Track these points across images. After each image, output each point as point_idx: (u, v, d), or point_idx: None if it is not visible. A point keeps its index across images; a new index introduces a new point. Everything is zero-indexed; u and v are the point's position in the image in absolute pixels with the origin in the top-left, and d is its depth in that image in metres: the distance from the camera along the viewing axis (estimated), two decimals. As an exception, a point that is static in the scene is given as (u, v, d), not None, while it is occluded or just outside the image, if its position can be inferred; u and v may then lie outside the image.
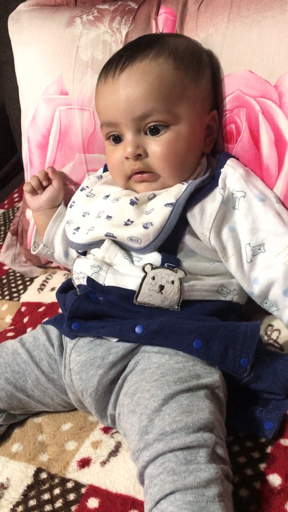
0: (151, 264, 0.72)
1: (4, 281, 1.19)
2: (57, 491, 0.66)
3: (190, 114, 0.77)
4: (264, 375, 0.67)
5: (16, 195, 1.57)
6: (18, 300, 1.11)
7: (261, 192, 0.76)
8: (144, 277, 0.71)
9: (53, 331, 0.78)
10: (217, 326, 0.68)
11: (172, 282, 0.71)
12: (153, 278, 0.71)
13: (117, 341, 0.70)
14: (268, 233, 0.73)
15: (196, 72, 0.78)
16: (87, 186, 0.89)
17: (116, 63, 0.77)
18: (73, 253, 0.94)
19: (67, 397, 0.75)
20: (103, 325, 0.72)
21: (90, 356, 0.70)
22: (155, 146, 0.76)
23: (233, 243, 0.75)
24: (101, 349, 0.70)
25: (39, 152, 1.05)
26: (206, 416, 0.59)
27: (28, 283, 1.15)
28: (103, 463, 0.68)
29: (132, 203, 0.77)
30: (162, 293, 0.71)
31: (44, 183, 1.00)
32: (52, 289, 1.08)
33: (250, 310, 0.81)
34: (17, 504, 0.66)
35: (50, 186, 1.00)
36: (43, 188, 1.00)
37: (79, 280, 0.80)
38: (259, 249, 0.74)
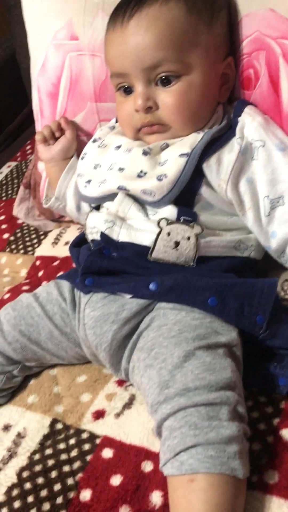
0: (166, 219, 0.70)
1: (19, 235, 1.18)
2: (72, 441, 0.68)
3: (204, 62, 0.72)
4: (280, 332, 0.66)
5: (28, 147, 1.54)
6: (33, 254, 1.10)
7: (281, 142, 0.72)
8: (159, 233, 0.69)
9: (65, 285, 0.78)
10: (233, 283, 0.67)
11: (188, 238, 0.69)
12: (168, 234, 0.69)
13: (131, 297, 0.70)
14: None
15: (210, 16, 0.73)
16: (99, 138, 0.86)
17: (125, 9, 0.72)
18: (85, 207, 0.93)
19: (81, 350, 0.76)
20: (116, 281, 0.71)
21: (104, 312, 0.70)
22: (167, 97, 0.72)
23: (250, 196, 0.72)
24: (115, 305, 0.70)
25: (49, 101, 1.01)
26: (229, 375, 0.59)
27: (42, 237, 1.14)
28: (117, 415, 0.69)
29: (145, 153, 0.74)
30: (177, 249, 0.69)
31: (57, 134, 0.97)
32: (66, 243, 1.07)
33: (267, 265, 0.79)
34: (34, 452, 0.68)
35: (63, 136, 0.97)
36: (55, 139, 0.98)
37: (93, 235, 0.78)
38: (278, 202, 0.71)
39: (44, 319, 0.76)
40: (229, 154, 0.72)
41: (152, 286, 0.67)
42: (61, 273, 0.99)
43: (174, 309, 0.67)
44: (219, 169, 0.72)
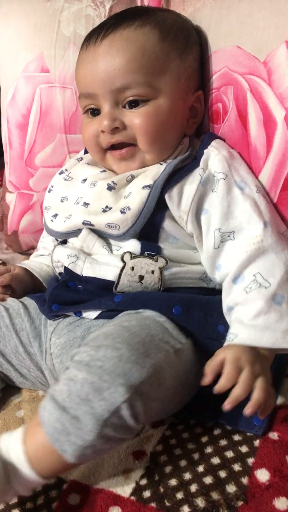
0: (130, 253, 0.69)
1: (-14, 268, 1.15)
2: (38, 487, 0.64)
3: (173, 89, 0.73)
4: None
5: (-2, 179, 1.52)
6: (1, 287, 1.07)
7: (242, 179, 0.71)
8: (123, 267, 0.68)
9: (33, 307, 0.77)
10: (197, 296, 0.69)
11: (152, 272, 0.68)
12: (132, 268, 0.68)
13: (96, 318, 0.69)
14: (241, 221, 0.69)
15: (183, 47, 0.74)
16: (66, 169, 0.85)
17: (100, 30, 0.73)
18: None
19: (43, 376, 0.74)
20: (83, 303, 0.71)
21: (70, 337, 0.69)
22: (134, 118, 0.72)
23: (206, 228, 0.71)
24: (80, 329, 0.69)
25: (18, 132, 1.00)
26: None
27: (10, 270, 1.11)
28: (86, 458, 0.65)
29: (110, 188, 0.73)
30: (142, 283, 0.68)
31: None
32: (35, 276, 1.05)
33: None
34: (-3, 503, 0.64)
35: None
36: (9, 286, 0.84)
37: (58, 268, 0.77)
38: (229, 236, 0.69)
39: (11, 331, 0.75)
40: (190, 185, 0.71)
41: (116, 299, 0.68)
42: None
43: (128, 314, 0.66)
44: (181, 200, 0.71)
